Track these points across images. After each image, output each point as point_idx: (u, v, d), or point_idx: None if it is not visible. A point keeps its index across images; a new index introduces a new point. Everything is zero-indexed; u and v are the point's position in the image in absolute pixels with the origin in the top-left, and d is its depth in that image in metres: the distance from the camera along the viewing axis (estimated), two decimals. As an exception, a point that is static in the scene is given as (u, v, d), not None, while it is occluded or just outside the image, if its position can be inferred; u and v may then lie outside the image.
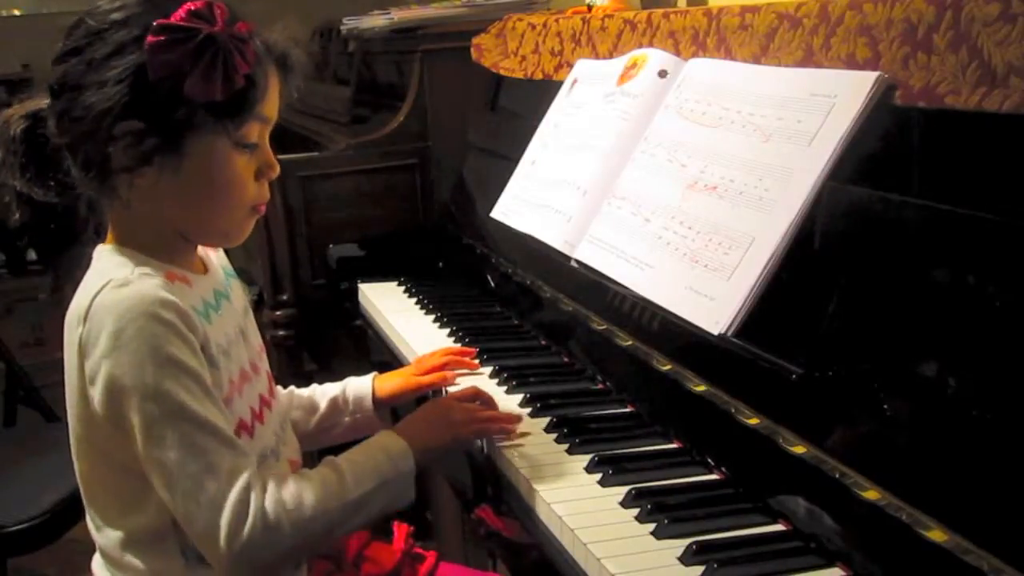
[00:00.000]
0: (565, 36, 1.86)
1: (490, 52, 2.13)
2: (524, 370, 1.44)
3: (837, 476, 0.94)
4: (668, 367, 1.23)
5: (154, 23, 0.99)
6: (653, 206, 1.35)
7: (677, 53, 1.49)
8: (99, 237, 1.10)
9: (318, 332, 2.17)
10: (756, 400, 1.08)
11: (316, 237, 2.14)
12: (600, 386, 1.39)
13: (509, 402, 1.34)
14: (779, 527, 1.00)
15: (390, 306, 1.85)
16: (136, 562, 1.07)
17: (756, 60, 1.30)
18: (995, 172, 0.91)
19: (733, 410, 1.09)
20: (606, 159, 1.52)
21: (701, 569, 0.92)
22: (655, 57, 1.51)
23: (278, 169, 1.11)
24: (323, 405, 1.36)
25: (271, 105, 1.08)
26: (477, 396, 1.30)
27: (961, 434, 0.86)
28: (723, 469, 1.11)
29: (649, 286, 1.29)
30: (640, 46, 1.59)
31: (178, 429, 0.99)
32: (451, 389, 1.39)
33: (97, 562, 1.13)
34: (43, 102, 1.05)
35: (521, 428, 1.25)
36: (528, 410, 1.30)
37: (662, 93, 1.46)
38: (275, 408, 1.19)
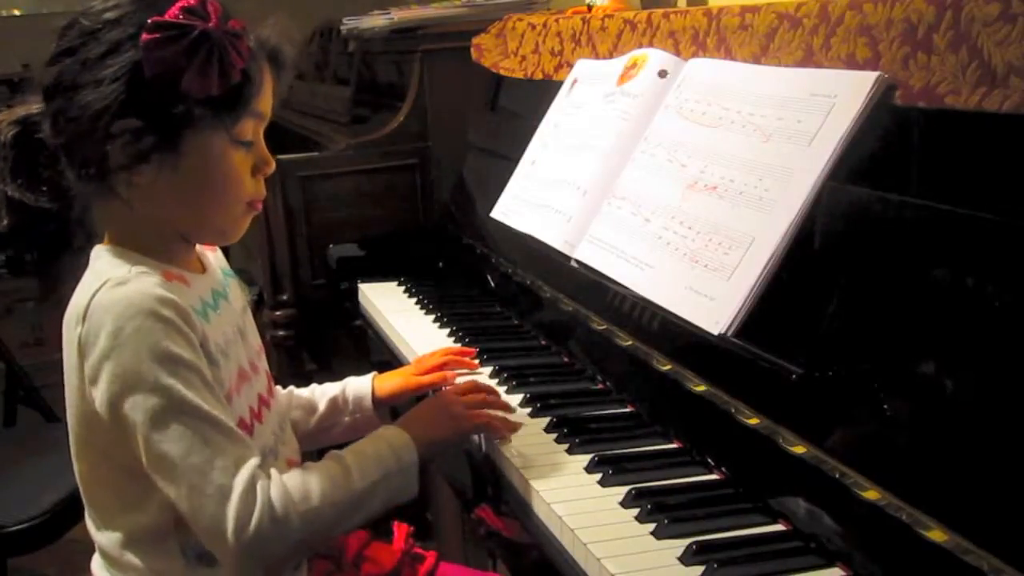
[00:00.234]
0: (565, 36, 1.86)
1: (490, 52, 2.13)
2: (524, 370, 1.44)
3: (837, 476, 0.94)
4: (668, 367, 1.23)
5: (148, 20, 0.99)
6: (653, 206, 1.35)
7: (677, 53, 1.49)
8: (90, 244, 1.09)
9: (318, 332, 2.17)
10: (756, 400, 1.08)
11: (316, 237, 2.14)
12: (600, 386, 1.39)
13: (509, 402, 1.33)
14: (779, 527, 1.00)
15: (390, 306, 1.85)
16: (136, 562, 1.07)
17: (756, 60, 1.30)
18: (995, 172, 0.91)
19: (733, 410, 1.09)
20: (606, 159, 1.52)
21: (701, 569, 0.92)
22: (655, 57, 1.51)
23: (274, 165, 1.12)
24: (323, 405, 1.36)
25: (265, 101, 1.08)
26: (478, 389, 1.30)
27: (961, 434, 0.86)
28: (723, 469, 1.11)
29: (649, 286, 1.29)
30: (640, 46, 1.59)
31: (181, 423, 0.98)
32: (451, 388, 1.39)
33: (97, 562, 1.12)
34: (33, 106, 1.05)
35: (521, 428, 1.25)
36: (528, 410, 1.30)
37: (662, 93, 1.46)
38: (274, 408, 1.19)
